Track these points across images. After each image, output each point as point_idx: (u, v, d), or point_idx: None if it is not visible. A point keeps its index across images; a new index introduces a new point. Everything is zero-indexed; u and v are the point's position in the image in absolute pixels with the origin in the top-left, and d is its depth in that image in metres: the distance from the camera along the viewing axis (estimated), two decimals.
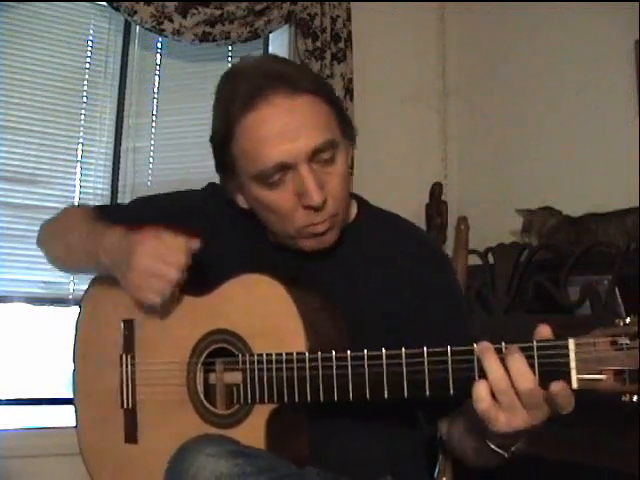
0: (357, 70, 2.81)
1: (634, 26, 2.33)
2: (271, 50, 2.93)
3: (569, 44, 2.60)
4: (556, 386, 0.80)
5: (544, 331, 0.84)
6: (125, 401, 1.19)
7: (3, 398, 2.47)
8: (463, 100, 3.09)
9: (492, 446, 0.93)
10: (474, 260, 2.32)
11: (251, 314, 1.06)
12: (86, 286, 1.29)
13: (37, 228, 1.22)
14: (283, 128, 1.02)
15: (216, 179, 1.18)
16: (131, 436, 1.18)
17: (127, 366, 1.18)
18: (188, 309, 1.14)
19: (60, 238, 1.26)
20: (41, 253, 1.33)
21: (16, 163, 2.54)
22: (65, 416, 2.46)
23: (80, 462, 1.26)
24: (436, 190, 2.90)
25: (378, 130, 2.92)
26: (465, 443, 1.06)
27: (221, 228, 1.21)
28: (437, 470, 1.33)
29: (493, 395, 0.83)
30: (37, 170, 2.57)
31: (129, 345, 1.18)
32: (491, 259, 2.34)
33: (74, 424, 1.27)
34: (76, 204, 1.35)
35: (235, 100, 1.04)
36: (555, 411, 0.82)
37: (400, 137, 3.01)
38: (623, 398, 0.78)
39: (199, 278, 1.14)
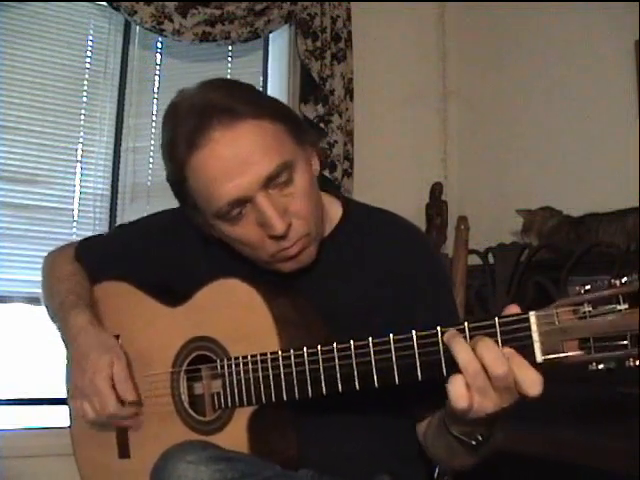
0: (357, 70, 2.81)
1: (634, 26, 2.33)
2: (271, 50, 2.94)
3: (569, 44, 2.60)
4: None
5: (513, 310, 0.82)
6: None
7: (3, 398, 2.47)
8: (463, 100, 3.09)
9: (455, 433, 0.91)
10: (474, 260, 2.31)
11: (226, 318, 1.06)
12: None
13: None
14: (229, 163, 0.97)
15: None
16: (124, 451, 1.18)
17: None
18: (168, 320, 1.14)
19: (46, 294, 1.31)
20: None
21: (16, 163, 2.54)
22: (65, 416, 2.46)
23: None
24: (436, 190, 2.90)
25: (378, 130, 2.92)
26: (437, 442, 1.04)
27: (197, 244, 1.19)
28: (437, 470, 1.33)
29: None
30: (37, 170, 2.57)
31: None
32: (491, 259, 2.34)
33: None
34: (61, 245, 1.40)
35: (177, 142, 1.00)
36: (524, 396, 0.80)
37: (400, 137, 3.01)
38: (590, 367, 0.76)
39: (177, 292, 1.16)
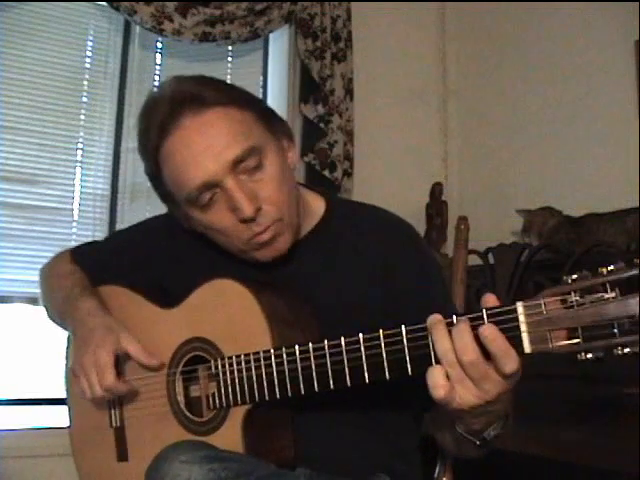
0: (357, 70, 2.81)
1: (634, 26, 2.33)
2: (271, 50, 2.94)
3: (569, 44, 2.60)
4: (485, 330, 0.77)
5: (491, 299, 0.81)
6: (113, 420, 1.19)
7: (3, 398, 2.47)
8: (463, 100, 3.09)
9: (460, 431, 0.91)
10: (474, 260, 2.31)
11: (219, 319, 1.06)
12: None
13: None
14: (197, 148, 1.00)
15: None
16: (122, 454, 1.18)
17: None
18: (164, 322, 1.15)
19: (47, 295, 1.32)
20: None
21: (16, 163, 2.54)
22: (65, 416, 2.46)
23: None
24: (436, 190, 2.90)
25: (378, 130, 2.93)
26: (445, 435, 1.05)
27: (186, 247, 1.20)
28: (437, 470, 1.33)
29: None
30: (37, 170, 2.57)
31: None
32: (491, 259, 2.34)
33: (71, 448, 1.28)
34: (62, 250, 1.40)
35: (150, 131, 1.04)
36: (502, 374, 0.79)
37: (400, 137, 3.01)
38: (579, 357, 0.75)
39: (172, 293, 1.16)
